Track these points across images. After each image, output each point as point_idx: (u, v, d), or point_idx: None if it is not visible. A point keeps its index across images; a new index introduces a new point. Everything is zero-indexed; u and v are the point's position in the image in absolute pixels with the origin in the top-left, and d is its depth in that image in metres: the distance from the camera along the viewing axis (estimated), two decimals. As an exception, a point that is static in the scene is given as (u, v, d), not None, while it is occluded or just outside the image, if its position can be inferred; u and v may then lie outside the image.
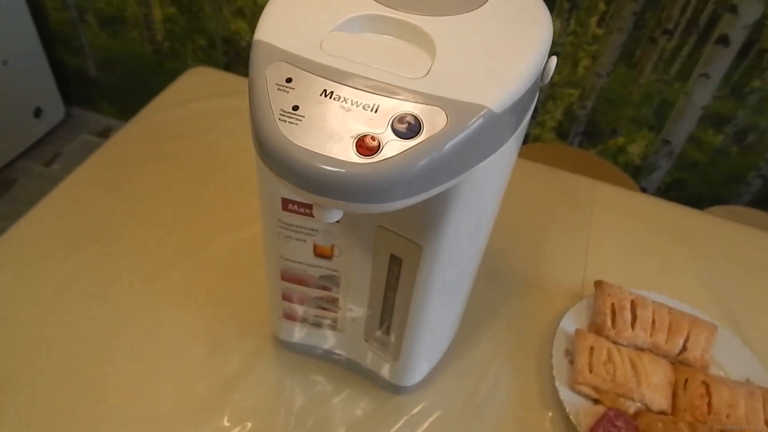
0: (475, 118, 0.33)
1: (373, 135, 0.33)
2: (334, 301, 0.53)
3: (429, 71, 0.35)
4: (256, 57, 0.36)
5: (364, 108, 0.33)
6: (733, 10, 1.15)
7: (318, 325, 0.57)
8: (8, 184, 1.80)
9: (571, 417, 0.58)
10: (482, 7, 0.40)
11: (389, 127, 0.33)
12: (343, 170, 0.32)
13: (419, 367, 0.58)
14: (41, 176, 1.84)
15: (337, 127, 0.33)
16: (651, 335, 0.65)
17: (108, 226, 0.74)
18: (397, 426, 0.58)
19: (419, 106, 0.33)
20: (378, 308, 0.51)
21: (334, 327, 0.56)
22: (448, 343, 0.63)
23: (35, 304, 0.65)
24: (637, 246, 0.80)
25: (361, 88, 0.34)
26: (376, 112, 0.33)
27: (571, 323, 0.67)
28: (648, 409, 0.60)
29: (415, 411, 0.60)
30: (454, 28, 0.38)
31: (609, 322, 0.65)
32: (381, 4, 0.39)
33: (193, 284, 0.68)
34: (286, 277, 0.51)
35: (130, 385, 0.59)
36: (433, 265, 0.44)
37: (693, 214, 0.88)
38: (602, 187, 0.89)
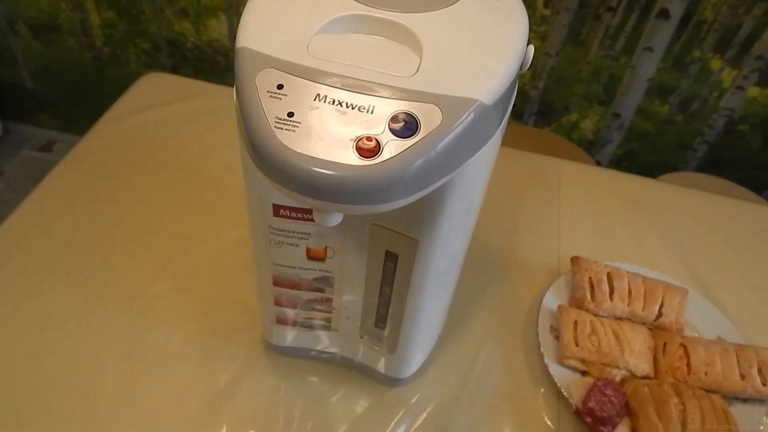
0: (468, 112, 0.34)
1: (372, 136, 0.33)
2: (327, 301, 0.53)
3: (419, 69, 0.35)
4: (243, 65, 0.35)
5: (359, 110, 0.33)
6: (671, -16, 1.20)
7: (311, 326, 0.57)
8: (-52, 209, 1.70)
9: (563, 390, 0.60)
10: (459, 0, 0.40)
11: (386, 127, 0.33)
12: (347, 174, 0.32)
13: (415, 358, 0.59)
14: (-16, 198, 1.75)
15: (335, 131, 0.33)
16: (628, 304, 0.68)
17: (75, 249, 0.70)
18: (397, 417, 0.59)
19: (414, 104, 0.34)
20: (373, 304, 0.51)
21: (328, 327, 0.56)
22: (440, 331, 0.64)
23: (6, 341, 0.61)
24: (605, 219, 0.83)
25: (354, 89, 0.34)
26: (372, 113, 0.33)
27: (552, 300, 0.69)
28: (633, 375, 0.62)
29: (413, 401, 0.60)
30: (435, 22, 0.38)
31: (589, 296, 0.68)
32: (361, 3, 0.38)
33: (176, 295, 0.67)
34: (279, 282, 0.51)
35: (124, 407, 0.57)
36: (429, 258, 0.44)
37: (650, 184, 0.92)
38: (566, 164, 0.91)
